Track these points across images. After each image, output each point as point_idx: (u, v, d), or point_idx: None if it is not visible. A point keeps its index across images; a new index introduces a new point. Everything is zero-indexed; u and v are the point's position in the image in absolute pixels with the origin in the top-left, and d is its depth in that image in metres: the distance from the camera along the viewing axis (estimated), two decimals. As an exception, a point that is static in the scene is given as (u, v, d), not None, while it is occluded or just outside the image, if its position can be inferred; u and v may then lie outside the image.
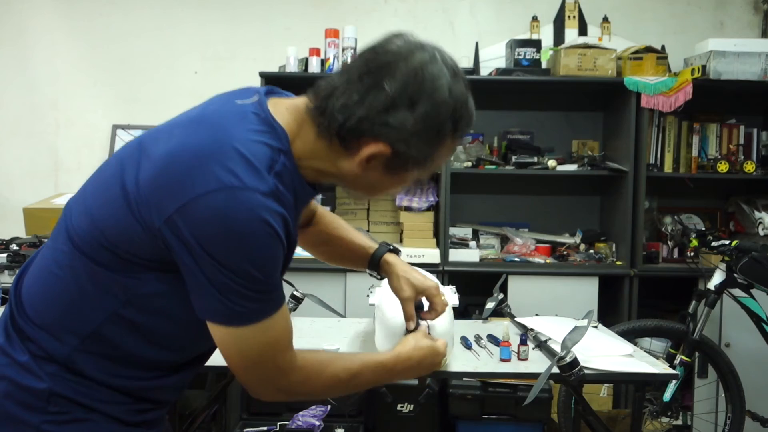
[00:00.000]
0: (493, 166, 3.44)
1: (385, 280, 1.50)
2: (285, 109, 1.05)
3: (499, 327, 2.19)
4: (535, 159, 3.44)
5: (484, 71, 3.50)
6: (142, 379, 1.08)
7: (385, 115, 1.00)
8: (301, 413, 2.88)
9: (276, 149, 1.00)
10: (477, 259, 3.41)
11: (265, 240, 0.95)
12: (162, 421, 1.18)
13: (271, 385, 1.08)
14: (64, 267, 1.03)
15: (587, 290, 3.28)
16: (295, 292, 2.24)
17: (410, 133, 1.01)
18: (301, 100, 1.06)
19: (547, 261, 3.41)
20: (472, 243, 3.50)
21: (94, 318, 1.02)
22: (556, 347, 1.81)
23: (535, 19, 3.62)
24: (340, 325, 2.23)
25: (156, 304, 1.03)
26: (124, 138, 3.70)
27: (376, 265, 1.47)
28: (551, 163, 3.40)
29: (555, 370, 1.72)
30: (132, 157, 1.01)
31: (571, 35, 3.58)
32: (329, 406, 2.89)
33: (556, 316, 2.50)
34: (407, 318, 1.42)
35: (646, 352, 2.38)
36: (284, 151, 1.01)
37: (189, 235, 0.93)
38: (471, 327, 2.29)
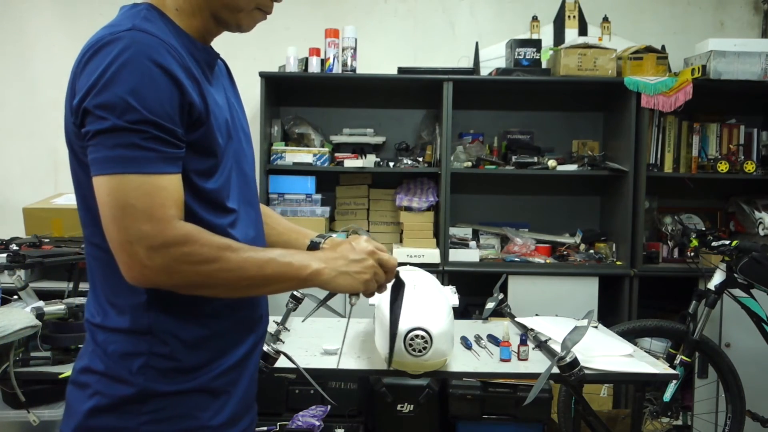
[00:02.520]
0: (493, 166, 3.44)
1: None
2: None
3: (499, 327, 2.19)
4: (535, 159, 3.44)
5: (484, 71, 3.50)
6: (210, 302, 1.09)
7: None
8: (301, 413, 2.88)
9: (135, 11, 1.06)
10: (477, 259, 3.41)
11: (143, 68, 0.96)
12: (240, 384, 1.17)
13: (143, 243, 0.96)
14: (90, 253, 1.10)
15: (587, 290, 3.28)
16: (295, 292, 2.24)
17: None
18: None
19: (547, 261, 3.41)
20: (472, 243, 3.50)
21: None
22: (556, 347, 1.81)
23: (535, 19, 3.62)
24: (340, 325, 2.23)
25: None
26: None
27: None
28: (551, 163, 3.40)
29: (555, 370, 1.72)
30: None
31: (571, 35, 3.58)
32: (329, 407, 2.89)
33: (556, 316, 2.50)
34: None
35: (646, 352, 2.38)
36: (145, 8, 1.06)
37: (84, 101, 0.97)
38: (471, 327, 2.30)
